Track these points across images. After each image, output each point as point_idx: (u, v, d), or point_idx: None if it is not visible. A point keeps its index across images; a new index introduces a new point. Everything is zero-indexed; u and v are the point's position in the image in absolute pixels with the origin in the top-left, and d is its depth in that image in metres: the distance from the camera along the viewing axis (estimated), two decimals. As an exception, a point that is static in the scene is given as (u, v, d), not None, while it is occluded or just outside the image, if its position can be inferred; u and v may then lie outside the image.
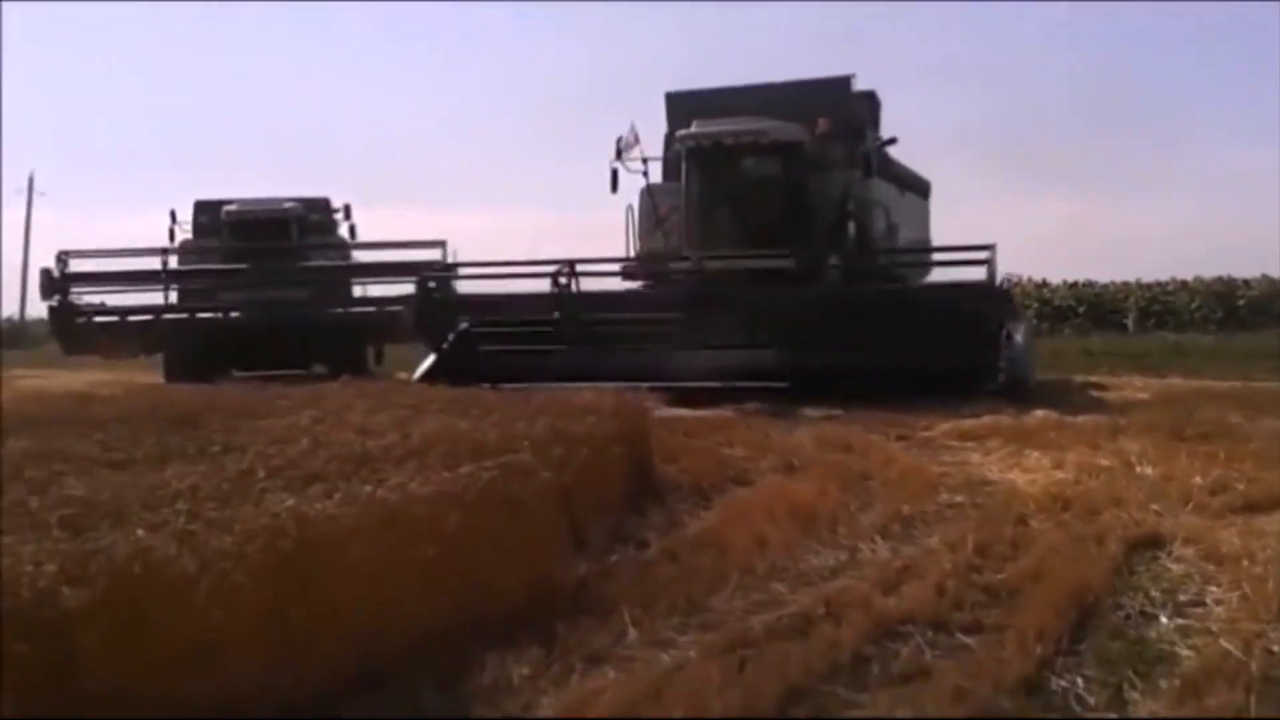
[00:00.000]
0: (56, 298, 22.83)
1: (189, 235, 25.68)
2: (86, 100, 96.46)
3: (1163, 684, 4.53)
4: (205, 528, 4.66)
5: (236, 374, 21.45)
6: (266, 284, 23.60)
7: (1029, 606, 5.44)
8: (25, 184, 64.15)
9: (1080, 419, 12.06)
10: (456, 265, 18.00)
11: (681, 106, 18.20)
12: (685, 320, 15.34)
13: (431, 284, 17.31)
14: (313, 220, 25.83)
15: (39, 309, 51.78)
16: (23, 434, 7.97)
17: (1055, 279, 39.86)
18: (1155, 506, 7.53)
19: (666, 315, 15.72)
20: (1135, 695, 4.44)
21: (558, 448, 6.76)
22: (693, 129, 17.18)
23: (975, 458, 9.98)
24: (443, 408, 8.70)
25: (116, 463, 6.60)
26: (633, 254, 17.91)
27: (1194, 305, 35.80)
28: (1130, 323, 35.66)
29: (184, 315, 23.73)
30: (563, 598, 5.83)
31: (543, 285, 16.73)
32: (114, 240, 73.24)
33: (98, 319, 22.92)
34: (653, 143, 18.04)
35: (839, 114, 17.26)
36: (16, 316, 62.71)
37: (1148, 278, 38.31)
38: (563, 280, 16.23)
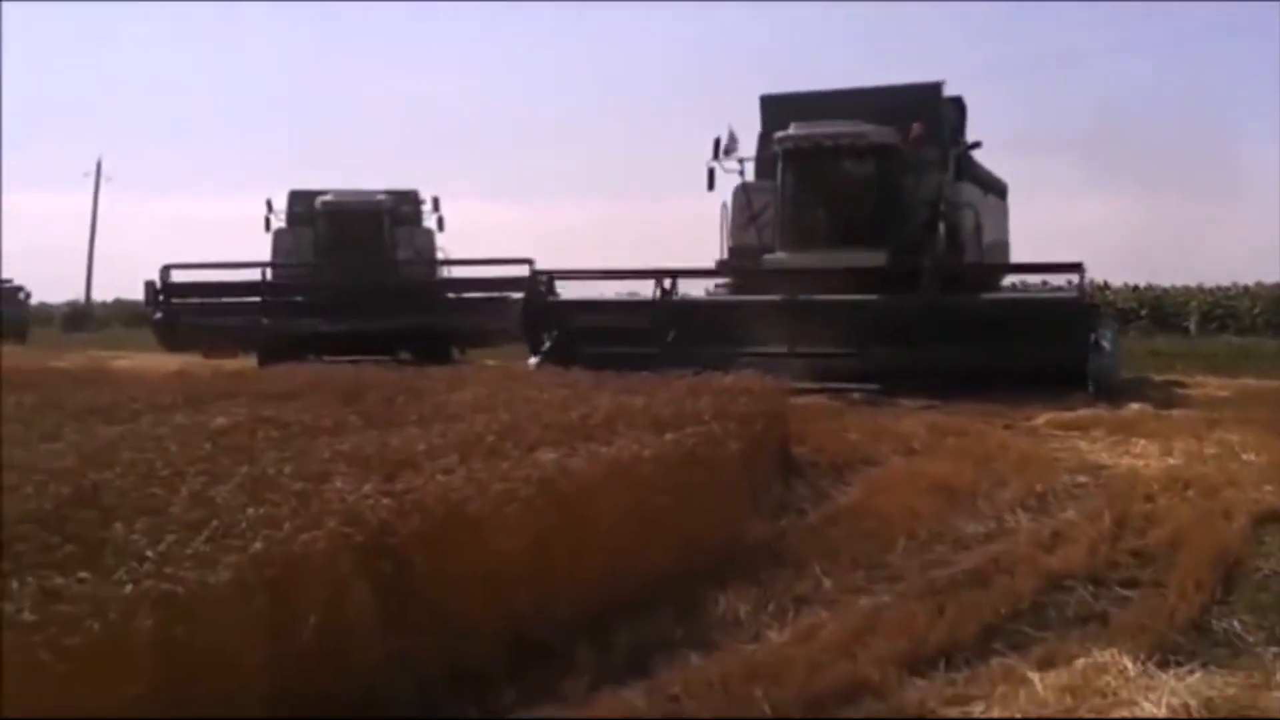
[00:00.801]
0: (159, 313, 24.03)
1: (283, 224, 26.50)
2: (150, 83, 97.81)
3: (1312, 628, 5.24)
4: (482, 476, 5.43)
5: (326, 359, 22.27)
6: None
7: (1179, 566, 6.16)
8: (93, 168, 64.98)
9: (1174, 413, 12.73)
10: (561, 273, 18.62)
11: (776, 109, 18.89)
12: (781, 324, 15.93)
13: (540, 287, 18.15)
14: (403, 212, 26.70)
15: (103, 293, 53.08)
16: (212, 407, 8.80)
17: (1116, 282, 40.24)
18: (1268, 487, 8.19)
19: (762, 318, 16.26)
20: (1293, 633, 5.16)
21: (730, 422, 7.51)
22: (792, 130, 17.88)
23: (1083, 445, 10.64)
24: (594, 388, 9.47)
25: (343, 428, 7.43)
26: (726, 248, 18.64)
27: (1256, 310, 36.11)
28: (1192, 326, 36.04)
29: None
30: (754, 551, 6.60)
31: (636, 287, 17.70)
32: (173, 223, 74.59)
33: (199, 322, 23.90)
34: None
35: (930, 118, 17.88)
36: (81, 300, 63.99)
37: (1209, 283, 38.74)
38: (664, 286, 17.08)
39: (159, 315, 24.09)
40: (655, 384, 9.23)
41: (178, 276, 24.29)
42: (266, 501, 4.88)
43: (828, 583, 6.02)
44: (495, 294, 24.23)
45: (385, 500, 4.86)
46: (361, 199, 26.42)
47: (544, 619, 5.10)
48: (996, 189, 21.31)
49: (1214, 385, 16.92)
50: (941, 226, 17.61)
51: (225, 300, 24.51)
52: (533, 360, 17.01)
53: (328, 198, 26.15)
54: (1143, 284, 40.37)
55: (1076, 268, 15.48)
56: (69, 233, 78.41)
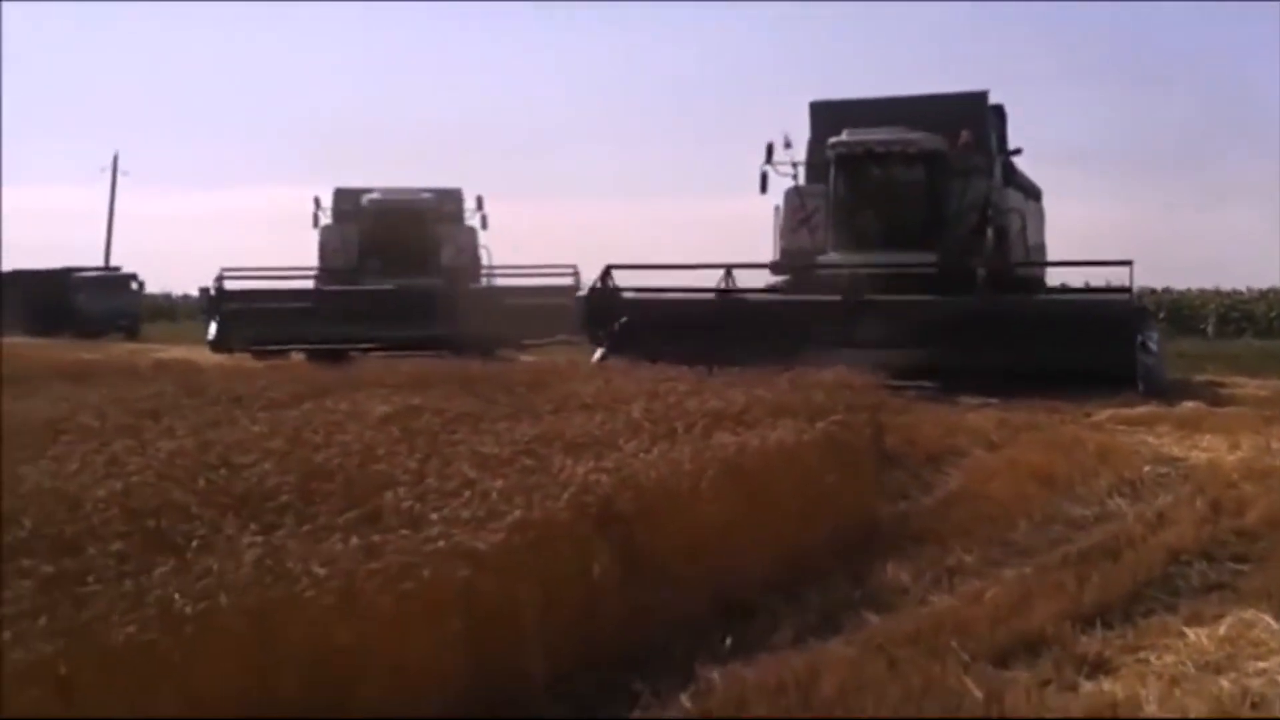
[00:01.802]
0: (216, 319, 24.67)
1: (329, 221, 27.15)
2: (164, 78, 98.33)
3: None
4: (674, 456, 6.08)
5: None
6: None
7: (1284, 542, 6.81)
8: (110, 163, 65.27)
9: (1229, 410, 13.36)
10: (618, 267, 19.11)
11: (826, 115, 19.55)
12: (840, 322, 16.52)
13: (602, 284, 18.71)
14: (446, 210, 27.36)
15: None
16: (352, 396, 9.42)
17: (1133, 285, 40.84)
18: (1341, 479, 8.83)
19: (820, 316, 16.83)
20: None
21: (858, 412, 8.15)
22: (844, 136, 18.56)
23: (1151, 439, 11.25)
24: (692, 384, 10.08)
25: (495, 415, 8.07)
26: (778, 249, 19.30)
27: (1272, 314, 36.91)
28: (1210, 328, 36.79)
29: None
30: (891, 529, 7.26)
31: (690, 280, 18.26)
32: (190, 216, 75.00)
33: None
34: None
35: (976, 126, 18.56)
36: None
37: (1225, 286, 39.55)
38: (726, 284, 17.69)
39: (215, 321, 24.66)
40: (758, 378, 9.81)
41: (231, 284, 24.98)
42: (500, 476, 5.53)
43: (969, 557, 6.66)
44: (545, 301, 24.82)
45: (605, 476, 5.50)
46: (407, 197, 27.07)
47: (741, 581, 5.76)
48: (1035, 194, 21.98)
49: (1253, 386, 17.50)
50: (990, 230, 18.25)
51: (279, 306, 24.92)
52: (597, 354, 17.61)
53: (374, 195, 26.83)
54: (1160, 287, 41.10)
55: (1126, 265, 16.11)
56: (75, 228, 78.89)
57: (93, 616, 3.66)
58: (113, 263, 52.60)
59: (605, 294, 18.46)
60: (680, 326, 17.21)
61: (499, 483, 5.30)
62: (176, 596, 3.80)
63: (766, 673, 4.66)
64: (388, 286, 24.97)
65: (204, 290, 25.07)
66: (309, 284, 25.98)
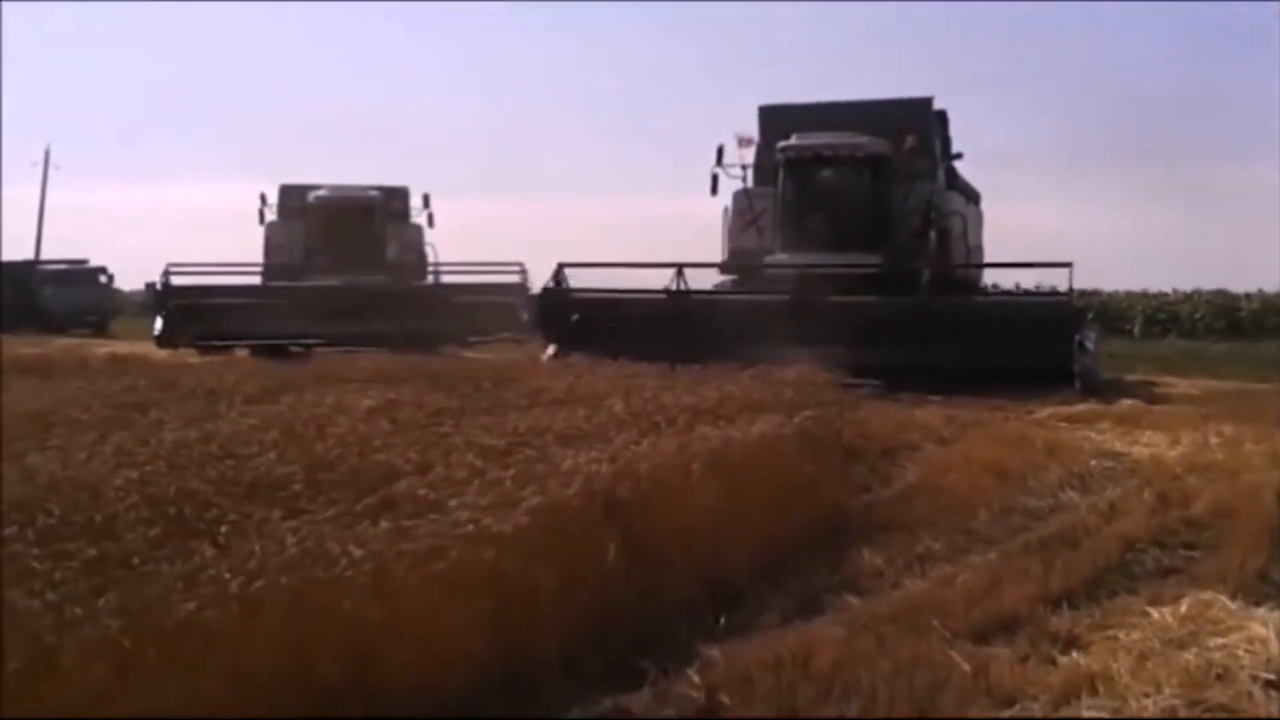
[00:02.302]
0: (162, 314, 24.59)
1: (275, 218, 27.16)
2: (98, 71, 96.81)
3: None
4: (663, 448, 6.39)
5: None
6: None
7: (1232, 531, 7.28)
8: (41, 157, 64.14)
9: (1164, 408, 13.92)
10: (571, 265, 19.35)
11: (775, 119, 20.00)
12: (788, 321, 16.89)
13: (555, 282, 19.01)
14: (393, 208, 27.50)
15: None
16: (329, 390, 9.61)
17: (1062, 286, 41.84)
18: (1277, 473, 9.31)
19: (769, 316, 17.20)
20: (1342, 584, 6.25)
21: (829, 407, 8.51)
22: (794, 140, 19.01)
23: (1094, 435, 11.72)
24: (660, 380, 10.39)
25: (477, 409, 8.33)
26: (727, 249, 19.71)
27: (1198, 315, 37.95)
28: (1137, 329, 37.75)
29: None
30: (859, 518, 7.62)
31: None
32: (129, 212, 73.98)
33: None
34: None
35: (921, 131, 19.09)
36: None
37: (1152, 288, 40.64)
38: (677, 283, 18.05)
39: (161, 317, 24.57)
40: (721, 374, 10.14)
41: (178, 280, 24.88)
42: (507, 465, 5.80)
43: (936, 545, 7.03)
44: (491, 299, 25.05)
45: (606, 466, 5.80)
46: (353, 194, 27.14)
47: (728, 565, 6.09)
48: (975, 197, 22.57)
49: (1184, 385, 18.15)
50: (933, 233, 18.77)
51: (224, 302, 24.86)
52: (549, 351, 17.88)
53: (320, 192, 26.86)
54: (1087, 288, 42.07)
55: (1066, 266, 16.72)
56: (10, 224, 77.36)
57: (154, 595, 3.90)
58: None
59: (558, 292, 18.74)
60: (631, 325, 17.51)
61: (510, 471, 5.58)
62: (228, 576, 4.04)
63: (764, 650, 4.99)
64: (333, 283, 25.02)
65: (150, 285, 24.97)
66: (255, 280, 25.91)
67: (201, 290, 24.94)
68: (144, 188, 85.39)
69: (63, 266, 43.46)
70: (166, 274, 24.74)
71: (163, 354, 21.59)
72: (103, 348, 23.57)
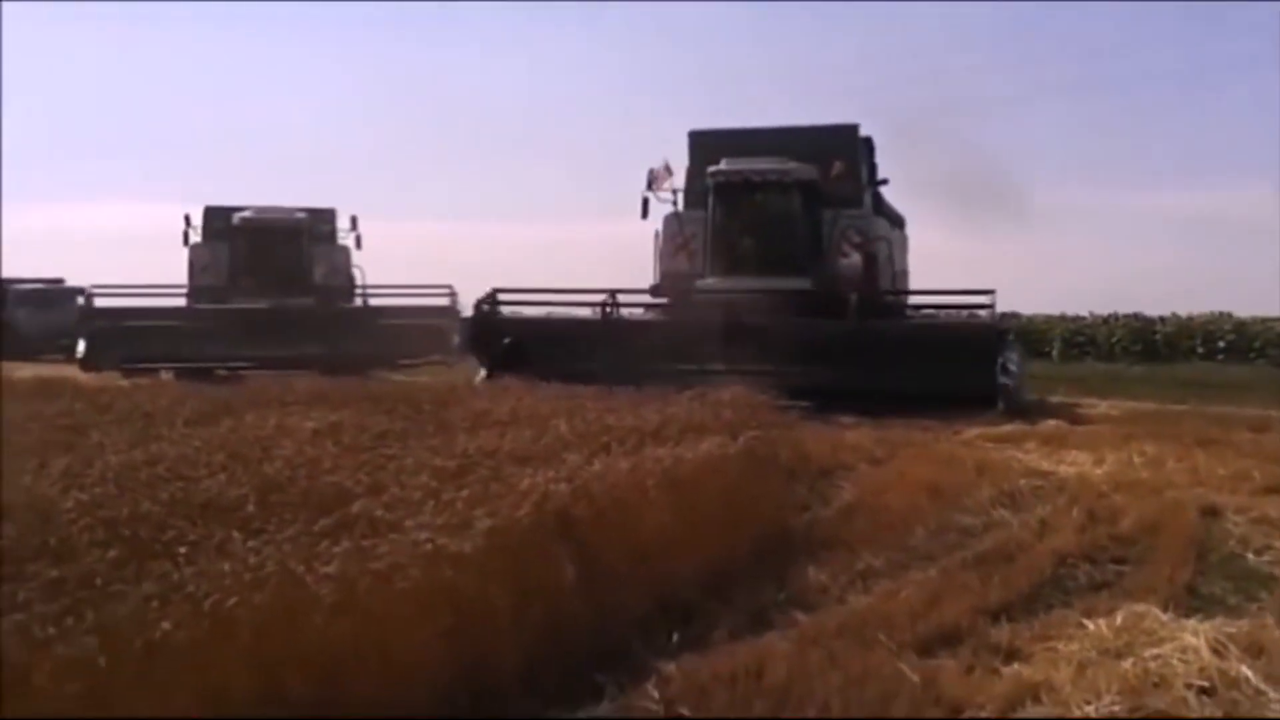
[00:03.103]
0: (85, 337, 24.23)
1: (199, 240, 26.88)
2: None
3: (1277, 591, 6.60)
4: (618, 468, 6.50)
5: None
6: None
7: (1159, 547, 7.53)
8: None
9: (1088, 428, 14.27)
10: (506, 290, 19.39)
11: (704, 144, 20.20)
12: (719, 344, 17.10)
13: (488, 305, 19.08)
14: (320, 230, 27.31)
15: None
16: (267, 414, 9.59)
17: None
18: (1199, 489, 9.64)
19: (700, 338, 17.39)
20: (1264, 594, 6.52)
21: (772, 429, 8.67)
22: (723, 165, 19.25)
23: (1020, 455, 12.00)
24: (601, 403, 10.49)
25: (424, 432, 8.37)
26: (658, 273, 19.90)
27: (1114, 338, 38.82)
28: (1055, 352, 38.53)
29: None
30: (801, 536, 7.78)
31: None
32: (45, 233, 72.50)
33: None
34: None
35: (848, 157, 19.41)
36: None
37: (1070, 312, 41.55)
38: (608, 309, 18.26)
39: (84, 339, 24.20)
40: (663, 397, 10.26)
41: (102, 302, 24.58)
42: (461, 486, 5.87)
43: (877, 561, 7.20)
44: (421, 322, 25.04)
45: (563, 486, 5.89)
46: (279, 216, 26.92)
47: (679, 582, 6.20)
48: (900, 223, 22.96)
49: (1105, 406, 18.58)
50: (858, 257, 19.10)
51: (149, 324, 24.56)
52: (481, 374, 17.92)
53: (246, 214, 26.62)
54: (1008, 311, 42.83)
55: (990, 293, 17.10)
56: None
57: (125, 615, 3.93)
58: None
59: (490, 315, 18.82)
60: (564, 348, 17.64)
61: (464, 492, 5.64)
62: (202, 596, 4.08)
63: (718, 664, 5.11)
64: (259, 305, 24.84)
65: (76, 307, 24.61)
66: (180, 302, 25.65)
67: (126, 312, 24.61)
68: (66, 208, 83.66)
69: (38, 286, 40.63)
70: (90, 296, 24.42)
71: (86, 377, 21.28)
72: (19, 371, 23.17)
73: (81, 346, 24.08)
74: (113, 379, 20.66)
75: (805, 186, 19.22)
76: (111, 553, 4.65)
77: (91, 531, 4.97)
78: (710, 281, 19.15)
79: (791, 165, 19.14)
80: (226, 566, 4.34)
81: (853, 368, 16.68)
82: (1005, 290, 21.29)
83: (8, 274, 38.25)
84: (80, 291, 37.74)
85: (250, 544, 4.73)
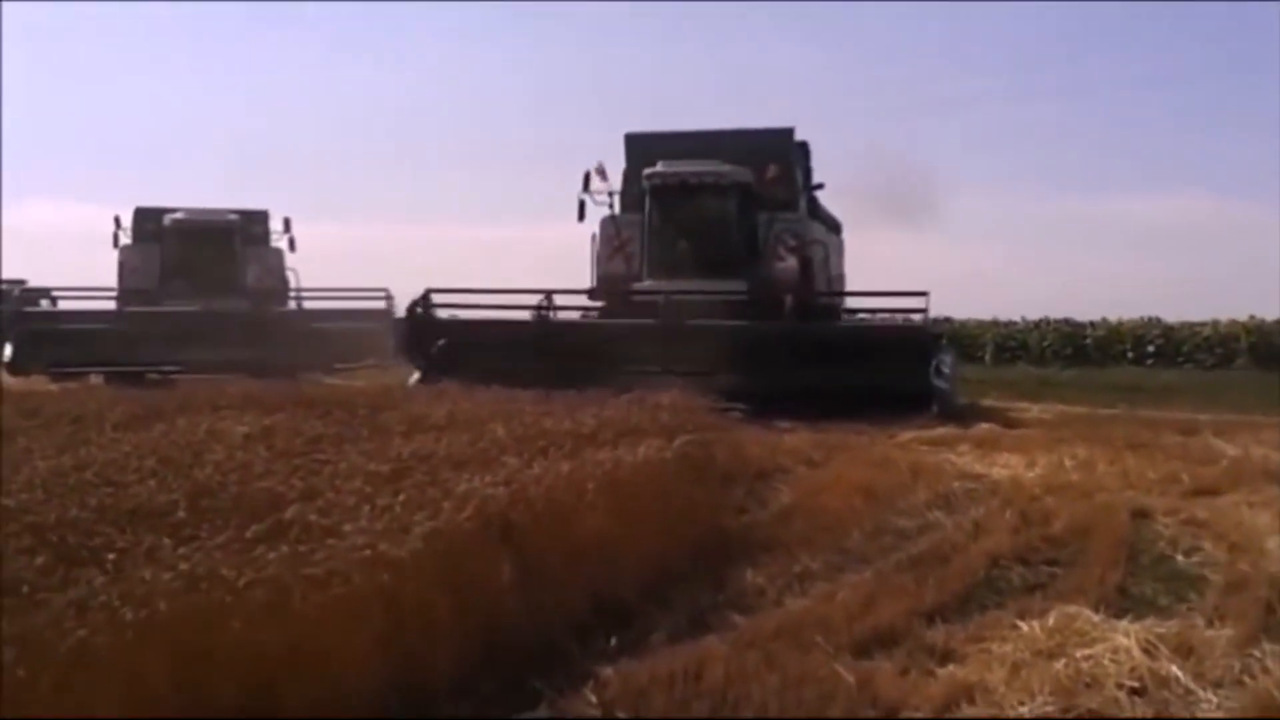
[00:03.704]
0: (13, 340, 23.74)
1: (129, 241, 26.45)
2: None
3: (1206, 592, 6.69)
4: (559, 471, 6.47)
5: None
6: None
7: (1090, 549, 7.62)
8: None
9: (1020, 431, 14.45)
10: (440, 291, 19.25)
11: (641, 146, 20.21)
12: (656, 346, 17.12)
13: (421, 307, 18.93)
14: (253, 232, 26.98)
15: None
16: (196, 418, 9.47)
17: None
18: (1129, 492, 9.78)
19: (636, 340, 17.41)
20: (1194, 596, 6.61)
21: (708, 431, 8.68)
22: (659, 168, 19.27)
23: (954, 458, 12.13)
24: (538, 406, 10.46)
25: (358, 437, 8.29)
26: (595, 276, 19.89)
27: (1045, 343, 39.39)
28: (988, 356, 39.00)
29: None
30: (739, 538, 7.80)
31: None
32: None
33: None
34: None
35: (783, 160, 19.53)
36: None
37: (1002, 317, 42.02)
38: (544, 310, 18.19)
39: (12, 343, 23.74)
40: (600, 400, 10.25)
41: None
42: (397, 490, 5.82)
43: (814, 564, 7.24)
44: (356, 325, 24.83)
45: (502, 490, 5.86)
46: (211, 218, 26.58)
47: (617, 585, 6.19)
48: (836, 227, 23.13)
49: (1036, 410, 18.82)
50: (795, 260, 19.21)
51: (79, 327, 24.15)
52: (414, 376, 17.80)
53: (177, 215, 26.24)
54: (940, 316, 43.26)
55: (923, 295, 17.28)
56: None
57: (45, 622, 3.84)
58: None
59: (424, 316, 18.68)
60: (499, 350, 17.56)
61: (400, 497, 5.60)
62: (119, 604, 4.00)
63: (656, 667, 5.10)
64: (191, 309, 24.49)
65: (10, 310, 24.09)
66: (110, 305, 25.25)
67: (55, 315, 24.19)
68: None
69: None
70: (19, 297, 23.97)
71: (13, 381, 20.92)
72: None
73: (8, 350, 23.62)
74: (41, 383, 20.46)
75: (741, 189, 19.33)
76: (38, 560, 4.56)
77: (18, 538, 4.86)
78: (647, 284, 19.17)
79: (727, 168, 19.22)
80: (148, 574, 4.25)
81: (788, 370, 16.80)
82: (939, 296, 21.42)
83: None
84: (46, 293, 36.92)
85: (181, 550, 4.64)
